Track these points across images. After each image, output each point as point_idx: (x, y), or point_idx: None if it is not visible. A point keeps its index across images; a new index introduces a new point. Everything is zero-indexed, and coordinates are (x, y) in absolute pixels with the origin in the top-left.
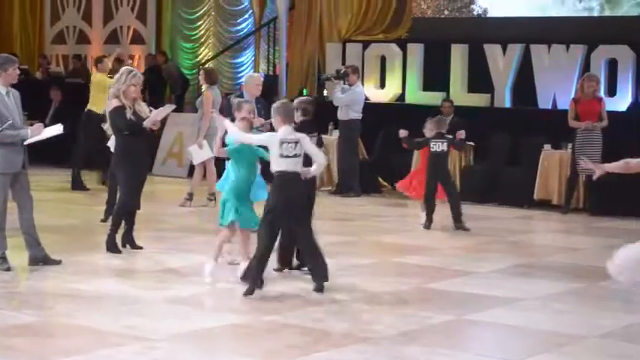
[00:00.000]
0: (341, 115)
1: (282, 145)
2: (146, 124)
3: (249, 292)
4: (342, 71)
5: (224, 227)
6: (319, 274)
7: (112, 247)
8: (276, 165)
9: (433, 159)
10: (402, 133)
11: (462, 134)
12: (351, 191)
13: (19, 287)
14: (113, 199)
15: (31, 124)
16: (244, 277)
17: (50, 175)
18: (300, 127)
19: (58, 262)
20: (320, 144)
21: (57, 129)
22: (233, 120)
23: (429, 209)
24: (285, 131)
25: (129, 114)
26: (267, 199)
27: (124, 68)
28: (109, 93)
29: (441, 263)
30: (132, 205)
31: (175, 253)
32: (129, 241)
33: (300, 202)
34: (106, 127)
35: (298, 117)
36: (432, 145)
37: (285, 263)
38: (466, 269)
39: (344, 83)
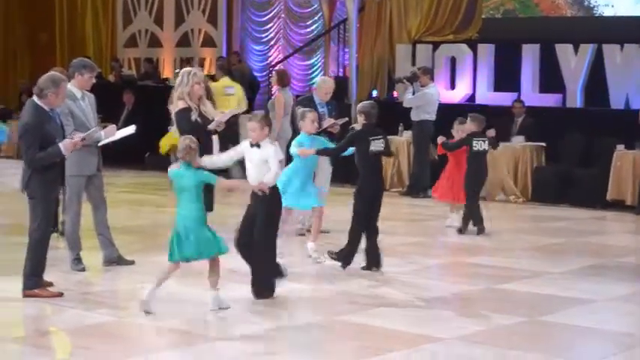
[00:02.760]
0: (413, 116)
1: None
2: (211, 126)
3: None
4: (413, 73)
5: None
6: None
7: None
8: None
9: (475, 159)
10: (440, 139)
11: (492, 132)
12: (421, 192)
13: (93, 287)
14: None
15: (105, 127)
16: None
17: (121, 176)
18: (363, 131)
19: (132, 263)
20: (387, 147)
21: (129, 130)
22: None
23: (471, 213)
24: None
25: (194, 116)
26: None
27: (182, 70)
28: (173, 96)
29: (512, 264)
30: None
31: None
32: None
33: None
34: (173, 129)
35: (361, 121)
36: (473, 145)
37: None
38: (537, 270)
39: (413, 85)
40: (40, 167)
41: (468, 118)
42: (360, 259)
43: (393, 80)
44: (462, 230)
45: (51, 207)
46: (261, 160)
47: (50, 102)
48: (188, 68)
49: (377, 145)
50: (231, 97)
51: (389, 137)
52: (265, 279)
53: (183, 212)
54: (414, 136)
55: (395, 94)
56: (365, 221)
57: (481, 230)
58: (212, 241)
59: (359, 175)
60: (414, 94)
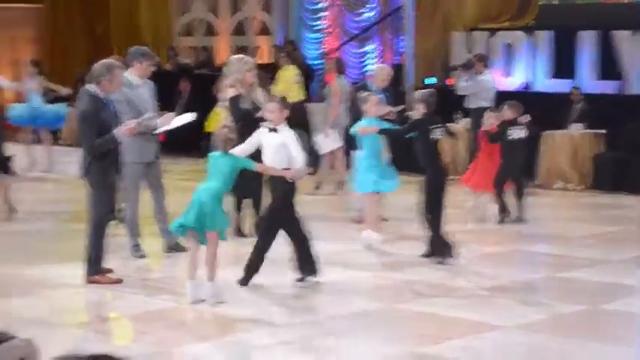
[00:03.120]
0: (469, 103)
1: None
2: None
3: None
4: (468, 61)
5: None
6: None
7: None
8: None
9: (511, 147)
10: (487, 126)
11: (526, 118)
12: None
13: (153, 274)
14: None
15: (162, 115)
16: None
17: (179, 164)
18: (424, 120)
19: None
20: (450, 134)
21: (187, 117)
22: (360, 113)
23: (503, 200)
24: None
25: (245, 103)
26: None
27: (233, 57)
28: (223, 84)
29: (571, 252)
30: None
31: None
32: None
33: None
34: (225, 115)
35: (420, 110)
36: (508, 133)
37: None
38: (597, 258)
39: (468, 73)
40: (98, 154)
41: (505, 106)
42: (412, 248)
43: (448, 68)
44: (502, 220)
45: (109, 193)
46: (279, 145)
47: (105, 88)
48: (239, 55)
49: (437, 132)
50: (299, 84)
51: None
52: (255, 266)
53: (203, 186)
54: (471, 123)
55: (450, 81)
56: (437, 209)
57: (502, 220)
58: (216, 217)
59: (423, 164)
60: (468, 81)
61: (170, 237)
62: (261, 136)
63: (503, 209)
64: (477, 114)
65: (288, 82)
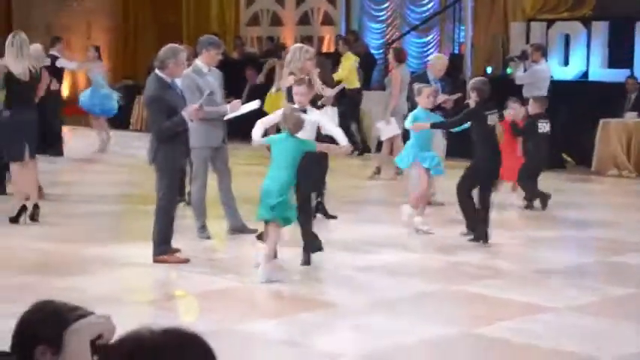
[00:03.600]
0: (525, 92)
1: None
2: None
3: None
4: (524, 51)
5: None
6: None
7: None
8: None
9: (538, 140)
10: (510, 116)
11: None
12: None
13: (218, 254)
14: None
15: (229, 102)
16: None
17: (242, 149)
18: (478, 107)
19: (255, 231)
20: (502, 115)
21: (254, 104)
22: (414, 104)
23: (530, 192)
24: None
25: None
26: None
27: (294, 46)
28: (283, 72)
29: (623, 237)
30: None
31: (364, 224)
32: (322, 210)
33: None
34: (284, 102)
35: (474, 98)
36: (539, 127)
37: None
38: None
39: (525, 63)
40: (167, 138)
41: (531, 100)
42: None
43: (506, 59)
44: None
45: (176, 177)
46: (309, 124)
47: (171, 72)
48: (299, 44)
49: (493, 118)
50: (357, 72)
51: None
52: (310, 245)
53: (273, 174)
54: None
55: (507, 71)
56: (470, 194)
57: (529, 206)
58: (282, 207)
59: (477, 151)
60: (525, 71)
61: (235, 219)
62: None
63: (536, 196)
64: None
65: (348, 69)
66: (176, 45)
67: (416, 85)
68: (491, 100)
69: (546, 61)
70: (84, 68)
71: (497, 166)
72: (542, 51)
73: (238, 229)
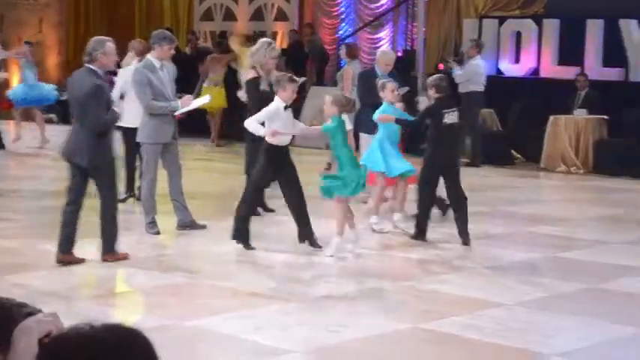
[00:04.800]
0: (461, 88)
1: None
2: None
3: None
4: (462, 54)
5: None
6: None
7: None
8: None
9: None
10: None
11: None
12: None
13: (167, 250)
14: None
15: (181, 97)
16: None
17: (192, 145)
18: (437, 105)
19: (204, 227)
20: (464, 117)
21: (204, 100)
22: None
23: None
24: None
25: (263, 85)
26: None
27: (262, 40)
28: (244, 63)
29: (573, 233)
30: None
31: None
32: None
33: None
34: (241, 94)
35: (433, 94)
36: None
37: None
38: (597, 239)
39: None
40: (104, 130)
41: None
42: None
43: (444, 59)
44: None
45: (115, 173)
46: (292, 120)
47: (102, 63)
48: (268, 40)
49: (451, 117)
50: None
51: None
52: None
53: (338, 153)
54: (463, 107)
55: (440, 66)
56: (432, 192)
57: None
58: (344, 182)
59: (428, 147)
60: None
61: (184, 215)
62: (279, 110)
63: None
64: (468, 98)
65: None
66: (100, 37)
67: (379, 81)
68: (453, 98)
69: (481, 57)
70: (10, 56)
71: (450, 162)
72: (480, 48)
73: (187, 224)
